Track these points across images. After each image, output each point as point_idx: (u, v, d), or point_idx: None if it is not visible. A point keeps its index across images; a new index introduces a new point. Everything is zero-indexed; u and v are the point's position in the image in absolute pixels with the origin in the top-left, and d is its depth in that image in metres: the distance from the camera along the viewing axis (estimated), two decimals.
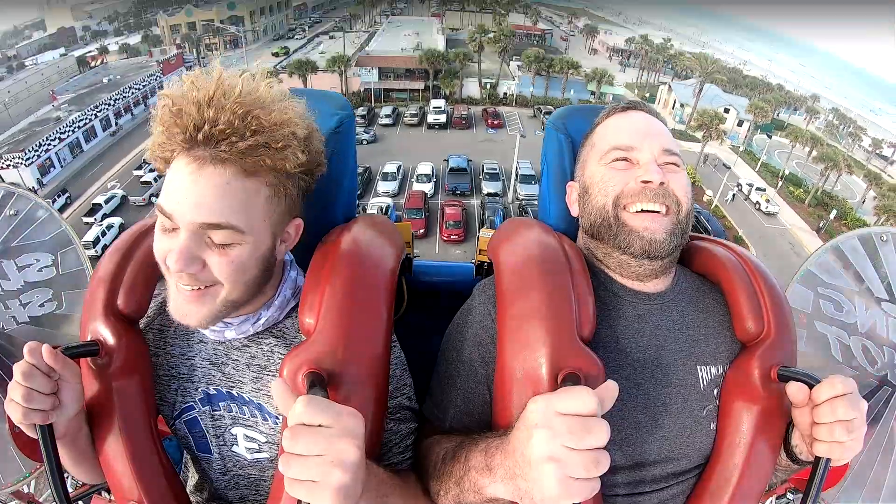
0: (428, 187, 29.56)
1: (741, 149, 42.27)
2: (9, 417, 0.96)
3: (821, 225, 32.16)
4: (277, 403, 0.83)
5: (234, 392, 1.12)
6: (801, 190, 37.23)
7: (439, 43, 55.43)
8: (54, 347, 0.96)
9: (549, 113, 37.80)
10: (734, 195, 34.23)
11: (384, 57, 49.11)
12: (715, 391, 1.11)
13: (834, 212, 32.88)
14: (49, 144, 33.95)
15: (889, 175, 43.25)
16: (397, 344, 1.13)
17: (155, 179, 30.25)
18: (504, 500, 0.88)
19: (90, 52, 60.32)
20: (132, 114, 43.16)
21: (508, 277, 1.07)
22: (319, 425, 0.77)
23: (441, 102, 43.97)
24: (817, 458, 0.95)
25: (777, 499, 2.00)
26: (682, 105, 47.02)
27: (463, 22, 75.37)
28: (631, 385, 1.06)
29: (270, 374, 1.09)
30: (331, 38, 66.33)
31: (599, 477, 0.76)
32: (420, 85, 47.85)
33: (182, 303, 0.98)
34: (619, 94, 50.06)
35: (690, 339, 1.13)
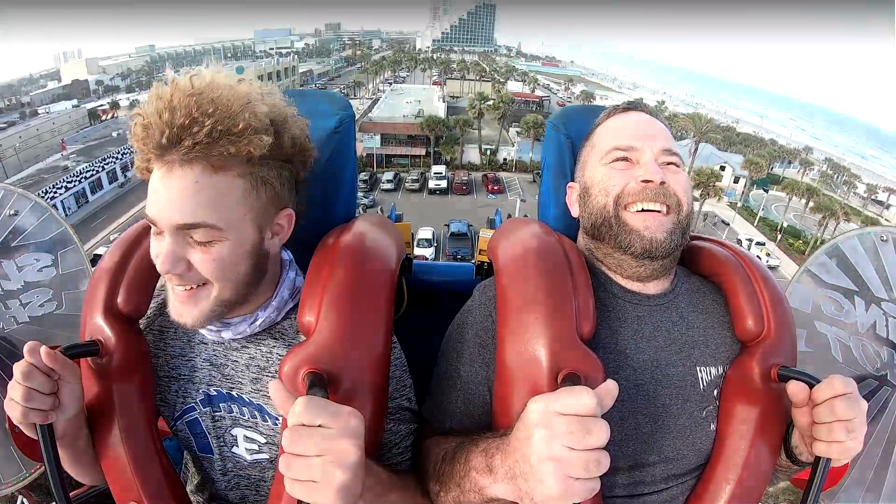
0: (429, 252, 29.60)
1: (739, 205, 42.74)
2: (8, 417, 0.96)
3: None
4: (275, 404, 0.83)
5: (234, 393, 1.11)
6: (801, 241, 37.42)
7: (440, 110, 57.34)
8: (54, 347, 0.96)
9: None
10: None
11: (386, 123, 50.70)
12: (715, 392, 1.10)
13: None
14: (55, 192, 34.51)
15: (886, 220, 43.49)
16: (398, 345, 1.13)
17: None
18: (504, 500, 0.87)
19: (102, 105, 62.57)
20: None
21: (508, 277, 1.07)
22: (319, 425, 0.76)
23: (442, 168, 44.90)
24: (817, 458, 0.94)
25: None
26: None
27: (463, 89, 77.92)
28: (631, 386, 1.05)
29: (270, 374, 1.09)
30: None
31: (599, 477, 0.76)
32: (421, 151, 49.03)
33: (177, 303, 0.99)
34: None
35: (690, 340, 1.12)
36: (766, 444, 1.05)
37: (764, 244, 35.14)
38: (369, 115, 55.90)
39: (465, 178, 43.74)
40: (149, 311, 1.15)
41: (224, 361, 1.12)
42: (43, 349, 0.94)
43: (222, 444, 1.15)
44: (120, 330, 1.06)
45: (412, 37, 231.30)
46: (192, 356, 1.15)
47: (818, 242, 36.26)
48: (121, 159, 41.87)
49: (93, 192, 38.75)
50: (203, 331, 1.09)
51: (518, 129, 53.48)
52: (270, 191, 1.00)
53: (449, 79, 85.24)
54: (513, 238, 1.18)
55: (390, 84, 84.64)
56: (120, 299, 1.07)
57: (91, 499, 1.53)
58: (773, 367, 1.03)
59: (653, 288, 1.14)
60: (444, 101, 65.32)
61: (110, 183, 40.31)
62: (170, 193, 0.91)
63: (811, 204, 38.28)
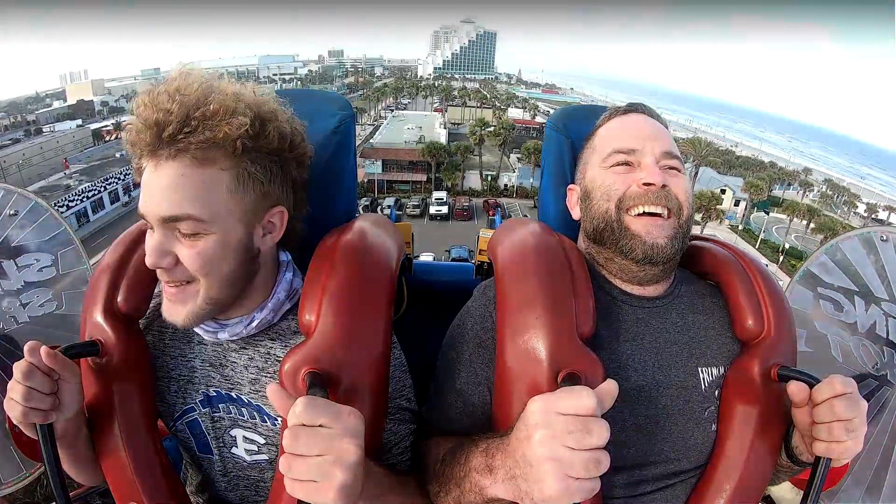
0: None
1: (740, 227, 42.80)
2: (8, 417, 0.95)
3: None
4: (275, 406, 0.83)
5: (233, 394, 1.11)
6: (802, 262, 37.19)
7: (441, 136, 57.97)
8: (54, 347, 0.97)
9: None
10: None
11: (388, 149, 51.15)
12: (716, 392, 1.09)
13: None
14: (56, 211, 34.46)
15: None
16: (398, 345, 1.13)
17: None
18: (505, 500, 0.86)
19: (106, 126, 63.01)
20: None
21: (508, 277, 1.07)
22: (320, 425, 0.77)
23: (443, 194, 45.20)
24: (817, 458, 0.94)
25: None
26: None
27: (464, 116, 78.88)
28: (631, 387, 1.05)
29: (268, 375, 1.09)
30: None
31: (599, 477, 0.75)
32: (423, 177, 49.47)
33: (168, 302, 1.00)
34: None
35: (691, 341, 1.12)
36: (767, 444, 1.04)
37: (767, 266, 34.87)
38: (371, 140, 56.42)
39: (466, 203, 44.02)
40: (148, 312, 1.15)
41: (223, 362, 1.12)
42: (43, 349, 0.94)
43: (222, 444, 1.14)
44: (120, 330, 1.06)
45: (414, 64, 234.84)
46: (192, 357, 1.14)
47: None
48: (123, 180, 42.21)
49: (94, 212, 39.00)
50: (200, 331, 1.09)
51: (519, 156, 53.86)
52: (258, 186, 1.00)
53: (450, 105, 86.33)
54: (513, 238, 1.17)
55: (392, 111, 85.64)
56: (120, 299, 1.07)
57: (91, 499, 1.52)
58: (773, 367, 1.03)
59: (653, 290, 1.14)
60: (445, 128, 66.06)
61: (112, 203, 40.57)
62: (157, 187, 0.93)
63: (812, 225, 38.32)
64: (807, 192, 55.34)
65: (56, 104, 77.03)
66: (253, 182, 0.99)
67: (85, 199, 38.19)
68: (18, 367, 0.92)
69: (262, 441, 1.11)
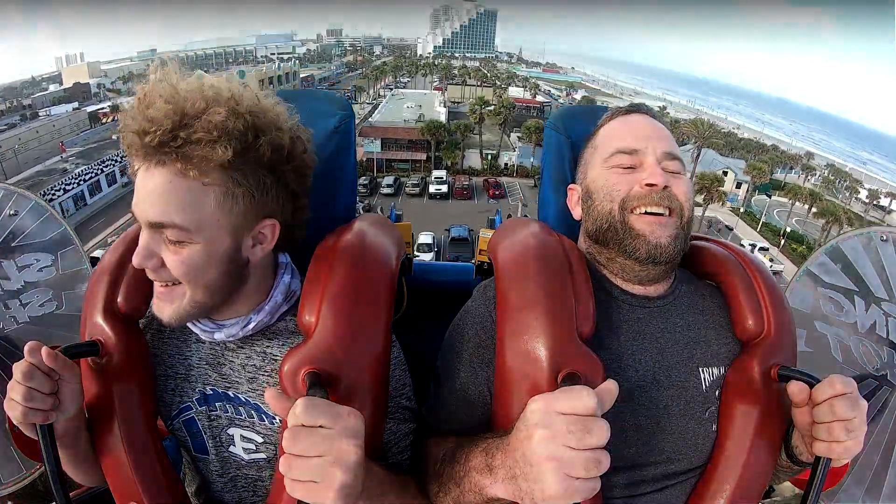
0: (429, 257, 29.27)
1: (741, 210, 42.66)
2: (8, 417, 0.96)
3: None
4: (274, 410, 0.84)
5: (230, 392, 1.11)
6: (804, 246, 37.36)
7: (441, 115, 57.61)
8: (54, 347, 0.97)
9: None
10: None
11: (387, 128, 50.81)
12: (717, 392, 1.09)
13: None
14: (53, 194, 34.46)
15: (888, 224, 43.38)
16: (397, 344, 1.13)
17: None
18: (505, 500, 0.87)
19: (102, 108, 62.55)
20: None
21: (508, 276, 1.07)
22: (320, 426, 0.77)
23: (443, 173, 44.85)
24: (817, 458, 0.94)
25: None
26: None
27: (464, 95, 78.34)
28: (632, 387, 1.05)
29: (266, 373, 1.09)
30: None
31: (599, 477, 0.76)
32: (422, 156, 49.17)
33: (156, 299, 1.01)
34: None
35: (692, 341, 1.12)
36: (767, 444, 1.05)
37: (767, 249, 35.10)
38: (370, 119, 55.97)
39: (466, 182, 43.70)
40: (148, 311, 1.14)
41: (220, 361, 1.12)
42: (44, 349, 0.94)
43: (219, 443, 1.15)
44: (120, 330, 1.06)
45: (413, 43, 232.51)
46: (189, 355, 1.15)
47: None
48: (120, 162, 41.65)
49: (91, 195, 38.71)
50: (197, 331, 1.09)
51: (519, 135, 53.51)
52: (248, 198, 0.99)
53: (450, 84, 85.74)
54: (513, 238, 1.17)
55: (391, 89, 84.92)
56: (120, 299, 1.08)
57: (91, 499, 1.52)
58: (773, 367, 1.03)
59: (654, 290, 1.14)
60: (444, 107, 65.53)
61: (109, 185, 40.25)
62: (146, 191, 0.93)
63: (814, 209, 38.18)
64: (809, 177, 55.11)
65: (52, 88, 76.15)
66: (243, 194, 0.97)
67: (82, 183, 37.84)
68: (19, 368, 0.93)
69: (259, 440, 1.10)
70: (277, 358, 1.08)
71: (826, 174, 57.30)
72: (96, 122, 56.09)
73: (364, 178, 42.84)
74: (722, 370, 1.11)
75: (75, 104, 65.67)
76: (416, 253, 28.96)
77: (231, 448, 1.13)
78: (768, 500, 1.83)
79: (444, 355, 1.18)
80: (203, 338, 1.10)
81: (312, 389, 0.86)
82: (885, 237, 1.45)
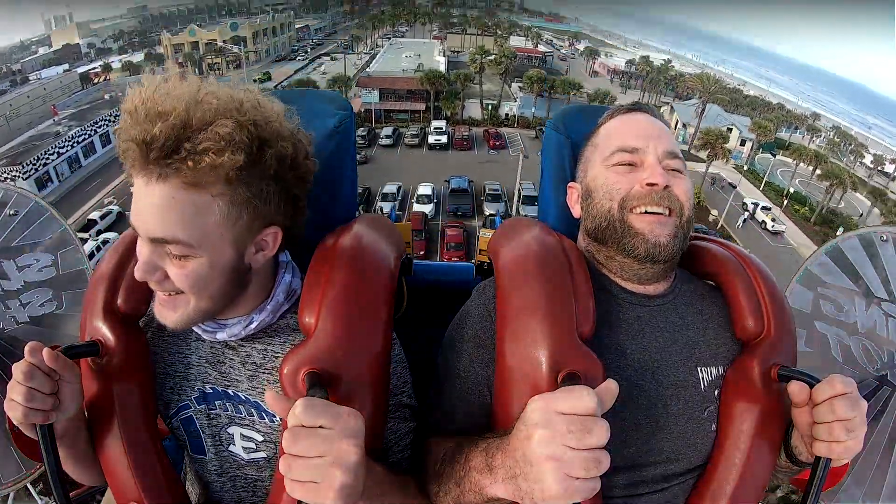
0: (428, 208, 29.39)
1: (745, 167, 42.13)
2: (8, 417, 0.96)
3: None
4: (274, 410, 0.84)
5: (230, 391, 1.11)
6: (806, 208, 37.19)
7: (441, 64, 56.21)
8: (54, 347, 0.96)
9: None
10: (745, 220, 33.82)
11: (385, 78, 49.63)
12: (716, 392, 1.10)
13: (840, 229, 32.50)
14: (47, 159, 34.09)
15: (892, 192, 43.04)
16: (397, 341, 1.13)
17: None
18: (505, 500, 0.87)
19: (94, 68, 61.27)
20: None
21: (508, 276, 1.07)
22: (320, 426, 0.77)
23: (442, 123, 44.02)
24: (817, 458, 0.94)
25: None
26: (684, 125, 46.95)
27: (464, 44, 76.10)
28: (631, 386, 1.05)
29: (266, 371, 1.09)
30: (332, 59, 66.81)
31: (599, 477, 0.76)
32: (421, 106, 48.21)
33: (159, 306, 1.00)
34: None
35: (691, 340, 1.12)
36: (766, 444, 1.05)
37: (770, 209, 34.85)
38: (368, 69, 54.53)
39: (466, 133, 42.95)
40: (148, 310, 1.13)
41: (220, 359, 1.12)
42: (44, 350, 0.94)
43: (218, 442, 1.15)
44: (120, 330, 1.06)
45: None
46: (188, 353, 1.14)
47: (824, 210, 35.95)
48: (114, 122, 40.44)
49: (86, 157, 38.05)
50: (198, 331, 1.08)
51: (520, 85, 52.44)
52: (252, 209, 0.97)
53: (450, 33, 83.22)
54: (513, 238, 1.17)
55: (389, 39, 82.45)
56: (119, 299, 1.07)
57: (91, 499, 1.53)
58: (773, 367, 1.03)
59: (653, 289, 1.14)
60: (444, 56, 63.85)
61: (104, 146, 39.43)
62: (147, 205, 0.90)
63: (818, 171, 37.67)
64: (814, 138, 54.17)
65: (42, 51, 73.45)
66: (246, 205, 0.95)
67: (76, 145, 37.15)
68: (19, 368, 0.93)
69: (260, 438, 1.11)
70: (279, 355, 1.07)
71: (832, 136, 56.28)
72: (88, 83, 54.79)
73: (362, 129, 42.10)
74: (721, 370, 1.11)
75: (66, 66, 63.62)
76: (415, 205, 28.73)
77: (231, 447, 1.13)
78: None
79: (443, 355, 1.18)
80: (205, 337, 1.09)
81: (312, 390, 0.86)
82: (885, 237, 1.44)
